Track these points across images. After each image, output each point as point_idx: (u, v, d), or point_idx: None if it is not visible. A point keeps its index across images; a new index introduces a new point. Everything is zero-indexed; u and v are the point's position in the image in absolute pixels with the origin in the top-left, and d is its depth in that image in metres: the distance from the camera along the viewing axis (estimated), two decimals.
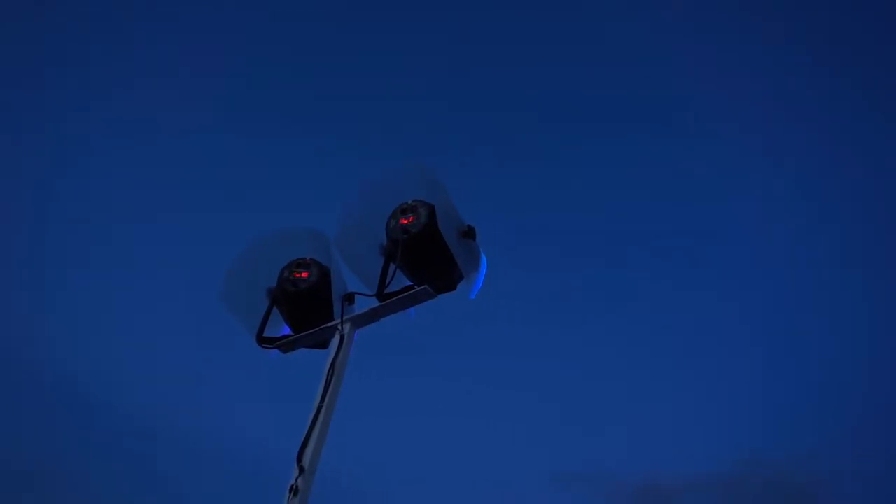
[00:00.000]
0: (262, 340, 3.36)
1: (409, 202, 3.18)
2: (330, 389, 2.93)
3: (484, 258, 3.19)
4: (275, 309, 3.42)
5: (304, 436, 2.79)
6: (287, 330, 3.45)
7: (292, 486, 2.64)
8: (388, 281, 3.09)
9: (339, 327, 3.13)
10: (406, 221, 3.08)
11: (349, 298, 3.31)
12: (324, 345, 3.29)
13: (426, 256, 3.06)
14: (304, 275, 3.38)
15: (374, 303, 3.16)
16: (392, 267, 3.09)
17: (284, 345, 3.37)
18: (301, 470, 2.68)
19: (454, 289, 3.12)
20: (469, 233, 3.14)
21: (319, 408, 2.88)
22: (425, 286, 3.03)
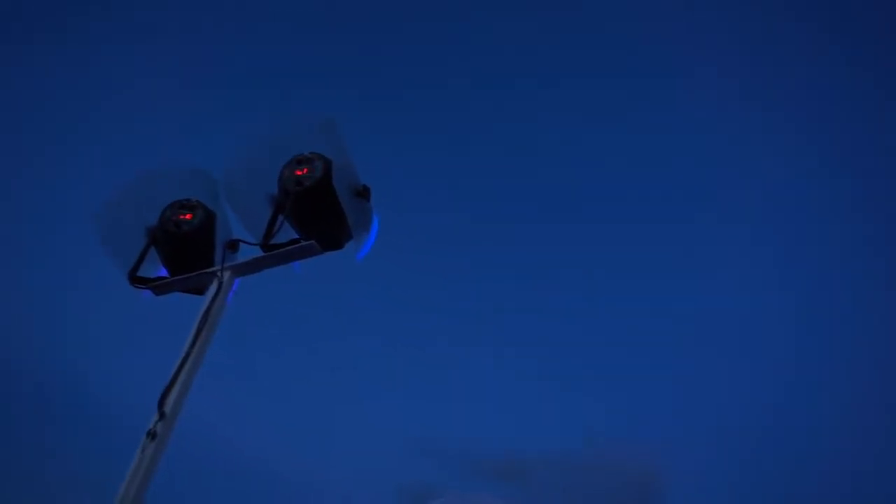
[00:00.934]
0: (135, 279, 3.20)
1: (307, 154, 3.10)
2: (201, 337, 2.83)
3: (376, 220, 3.16)
4: (154, 249, 3.27)
5: (168, 381, 2.70)
6: (164, 272, 3.30)
7: (151, 430, 2.55)
8: (274, 232, 3.01)
9: (219, 274, 3.03)
10: (300, 173, 3.00)
11: (232, 246, 3.20)
12: (201, 291, 3.17)
13: (317, 211, 3.00)
14: (188, 217, 3.24)
15: (258, 252, 3.07)
16: (280, 218, 3.01)
17: (158, 286, 3.22)
18: (162, 415, 2.59)
19: (341, 247, 3.07)
20: (364, 193, 3.09)
21: (188, 354, 2.78)
22: (312, 241, 2.97)
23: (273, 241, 3.06)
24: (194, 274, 3.15)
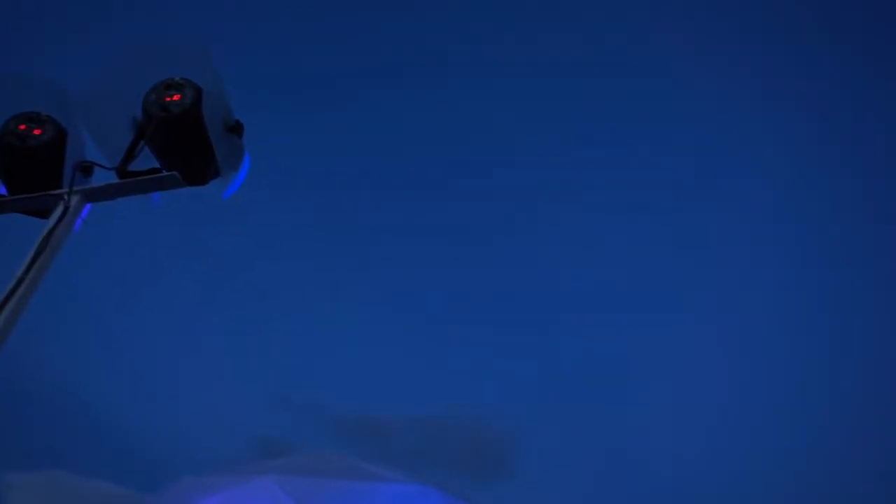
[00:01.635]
0: None
1: (177, 79, 2.88)
2: (38, 263, 2.59)
3: (247, 159, 3.00)
4: None
5: None
6: (3, 189, 3.00)
7: None
8: (133, 158, 2.79)
9: (65, 197, 2.77)
10: (168, 99, 2.78)
11: (85, 169, 2.94)
12: (45, 214, 2.90)
13: (182, 141, 2.80)
14: (36, 132, 2.94)
15: (114, 179, 2.85)
16: (141, 144, 2.79)
17: None
18: None
19: (206, 183, 2.89)
20: (236, 129, 2.92)
21: (21, 280, 2.53)
22: (175, 172, 2.78)
23: (131, 169, 2.84)
24: (38, 195, 2.87)
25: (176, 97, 2.80)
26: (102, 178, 2.96)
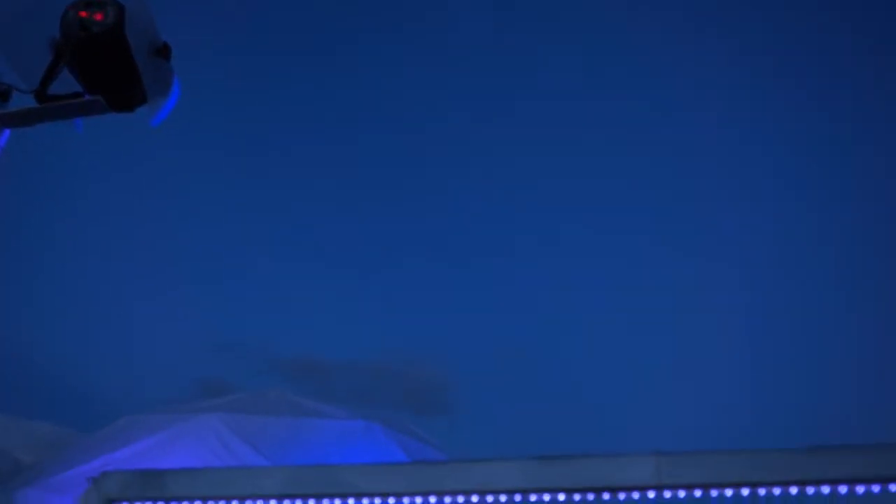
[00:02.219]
0: None
1: None
2: None
3: (177, 84, 2.87)
4: None
5: None
6: None
7: None
8: (52, 81, 2.65)
9: None
10: (86, 16, 2.62)
11: (2, 94, 2.79)
12: None
13: (105, 64, 2.65)
14: None
15: (32, 102, 2.70)
16: (61, 66, 2.65)
17: None
18: None
19: (132, 109, 2.76)
20: (163, 52, 2.78)
21: None
22: (98, 98, 2.65)
23: (52, 93, 2.70)
24: None
25: (97, 16, 2.64)
26: (20, 101, 2.82)
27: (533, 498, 1.16)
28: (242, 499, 1.29)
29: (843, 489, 1.23)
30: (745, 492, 1.23)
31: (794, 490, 1.25)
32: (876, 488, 1.22)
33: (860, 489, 1.22)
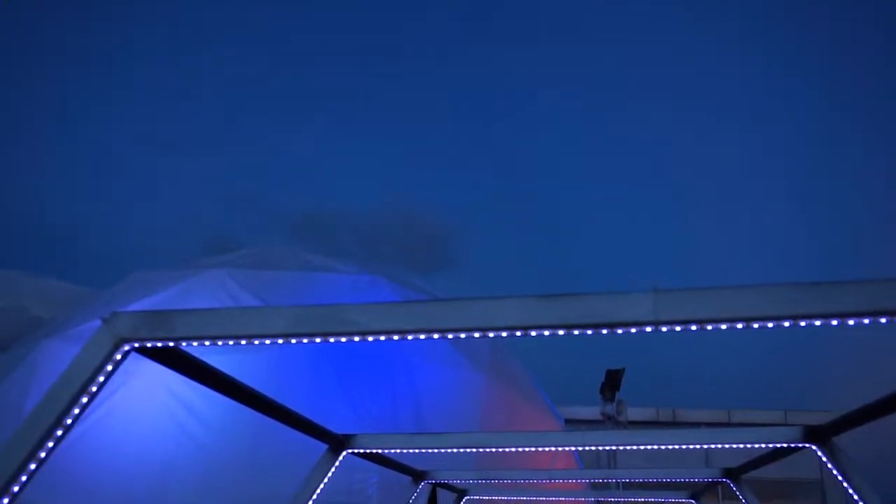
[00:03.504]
0: None
1: None
2: None
3: None
4: None
5: None
6: None
7: None
8: None
9: None
10: None
11: None
12: None
13: None
14: None
15: None
16: None
17: None
18: None
19: None
20: None
21: None
22: None
23: None
24: None
25: None
26: None
27: (533, 333, 1.21)
28: (251, 338, 1.34)
29: (834, 322, 1.28)
30: (740, 325, 1.28)
31: (786, 323, 1.30)
32: (866, 321, 1.27)
33: (851, 322, 1.27)
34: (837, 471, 2.34)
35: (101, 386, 1.55)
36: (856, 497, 2.28)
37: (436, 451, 2.78)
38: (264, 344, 1.53)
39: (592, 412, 14.43)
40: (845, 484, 2.32)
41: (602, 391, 10.33)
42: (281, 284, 10.00)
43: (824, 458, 2.38)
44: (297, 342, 1.57)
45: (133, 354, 1.61)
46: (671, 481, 3.72)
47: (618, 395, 9.88)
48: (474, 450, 2.78)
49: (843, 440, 2.44)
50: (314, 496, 2.56)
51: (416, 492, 3.50)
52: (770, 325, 1.46)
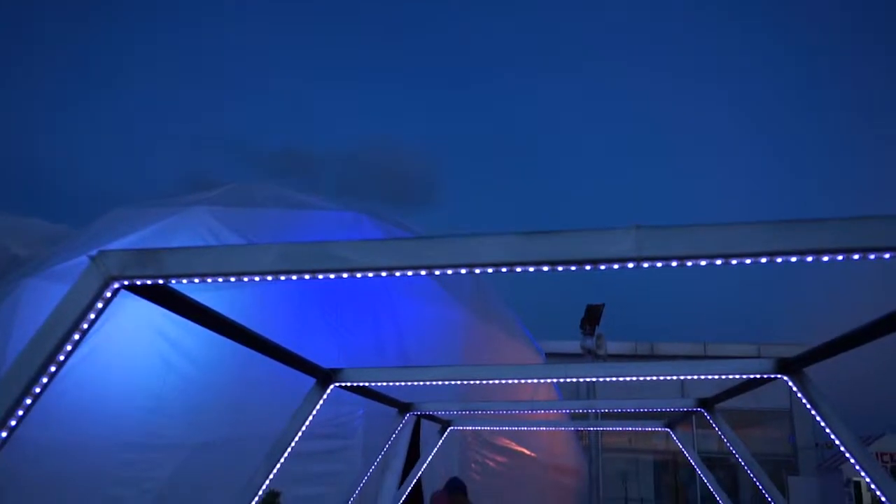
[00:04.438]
0: None
1: None
2: None
3: None
4: None
5: None
6: None
7: None
8: None
9: None
10: None
11: None
12: None
13: None
14: None
15: None
16: None
17: None
18: None
19: None
20: None
21: None
22: None
23: None
24: None
25: None
26: None
27: (518, 270, 1.22)
28: (240, 275, 1.35)
29: (809, 259, 1.31)
30: (719, 262, 1.31)
31: (763, 260, 1.33)
32: (840, 257, 1.30)
33: (825, 258, 1.30)
34: (807, 400, 2.44)
35: (91, 323, 1.57)
36: (823, 424, 2.39)
37: (420, 384, 2.85)
38: (252, 281, 1.55)
39: (573, 346, 14.74)
40: (814, 412, 2.42)
41: (582, 326, 10.54)
42: (263, 222, 9.96)
43: (795, 389, 2.48)
44: (285, 279, 1.60)
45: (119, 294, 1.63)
46: (648, 411, 3.85)
47: (597, 330, 10.10)
48: (458, 383, 2.85)
49: (814, 373, 2.54)
50: (303, 428, 2.63)
51: (401, 423, 3.60)
52: (748, 261, 1.50)
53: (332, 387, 2.73)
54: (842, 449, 2.30)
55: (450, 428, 4.16)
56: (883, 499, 2.23)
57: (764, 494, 3.30)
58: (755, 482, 3.30)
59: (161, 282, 1.61)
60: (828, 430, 2.38)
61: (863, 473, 2.27)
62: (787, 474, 17.17)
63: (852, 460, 2.27)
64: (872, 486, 2.24)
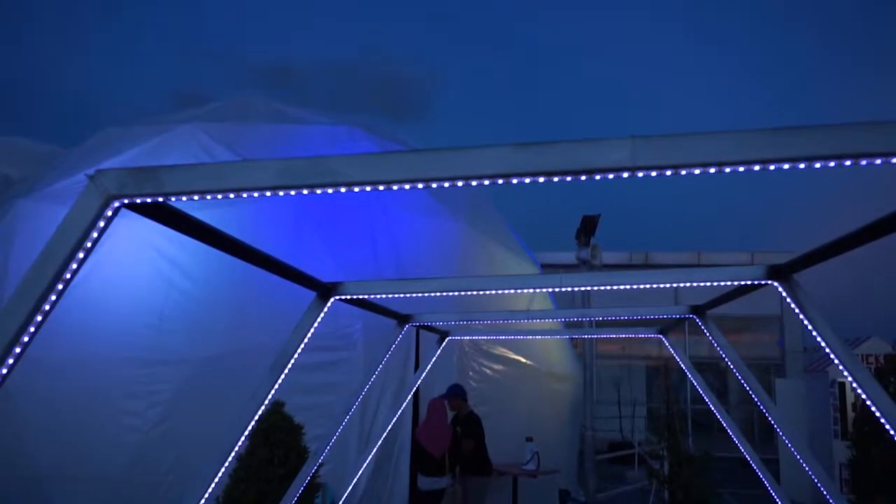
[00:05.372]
0: None
1: None
2: None
3: None
4: None
5: None
6: None
7: None
8: None
9: None
10: None
11: None
12: None
13: None
14: None
15: None
16: None
17: None
18: None
19: None
20: None
21: None
22: None
23: None
24: None
25: None
26: None
27: (515, 181, 1.23)
28: (238, 191, 1.35)
29: (801, 165, 1.32)
30: (713, 170, 1.32)
31: (756, 167, 1.34)
32: (832, 164, 1.31)
33: (817, 165, 1.31)
34: (796, 305, 2.51)
35: (95, 242, 1.60)
36: (811, 328, 2.46)
37: (418, 296, 2.91)
38: (251, 197, 1.57)
39: (568, 257, 14.90)
40: (802, 317, 2.49)
41: (578, 236, 10.62)
42: (256, 137, 9.85)
43: (784, 294, 2.54)
44: (284, 194, 1.61)
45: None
46: (641, 318, 3.94)
47: (592, 240, 10.18)
48: (455, 294, 2.91)
49: (805, 280, 2.59)
50: (305, 341, 2.71)
51: (400, 334, 3.69)
52: (741, 168, 1.52)
53: (332, 300, 2.79)
54: (827, 351, 2.38)
55: (448, 338, 4.27)
56: (864, 396, 2.32)
57: (751, 396, 3.43)
58: (743, 385, 3.42)
59: (161, 199, 1.62)
60: (815, 334, 2.46)
61: (847, 374, 2.36)
62: (774, 377, 17.73)
63: (837, 362, 2.35)
64: (855, 386, 2.33)
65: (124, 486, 7.70)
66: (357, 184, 1.50)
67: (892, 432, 2.23)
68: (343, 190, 1.54)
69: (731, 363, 3.41)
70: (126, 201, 1.59)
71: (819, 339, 2.42)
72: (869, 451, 5.33)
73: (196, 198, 1.61)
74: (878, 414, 2.27)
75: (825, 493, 3.17)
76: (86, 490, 7.73)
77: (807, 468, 3.23)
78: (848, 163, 1.46)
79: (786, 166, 1.51)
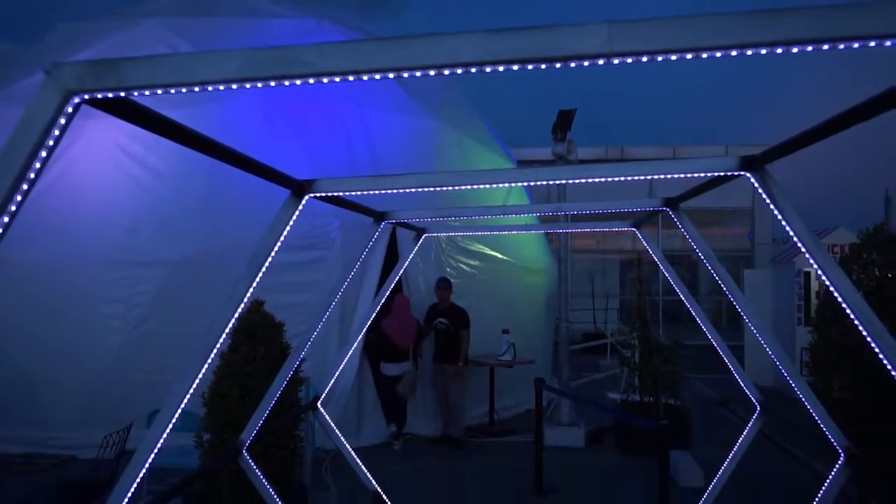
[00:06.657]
0: None
1: None
2: None
3: None
4: None
5: None
6: None
7: None
8: None
9: None
10: None
11: None
12: None
13: None
14: None
15: None
16: None
17: None
18: None
19: None
20: None
21: None
22: None
23: None
24: None
25: None
26: None
27: (488, 70, 1.20)
28: (204, 84, 1.30)
29: (779, 50, 1.30)
30: (689, 56, 1.29)
31: (734, 52, 1.32)
32: (810, 48, 1.29)
33: (795, 49, 1.29)
34: (767, 196, 2.53)
35: (57, 140, 1.54)
36: (780, 218, 2.48)
37: (394, 192, 2.89)
38: (224, 95, 1.52)
39: (544, 153, 14.82)
40: (773, 207, 2.51)
41: (554, 131, 10.54)
42: (220, 32, 9.46)
43: (756, 185, 2.56)
44: (251, 86, 1.56)
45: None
46: (615, 212, 3.98)
47: (568, 136, 10.12)
48: (431, 190, 2.89)
49: (777, 172, 2.60)
50: (280, 239, 2.70)
51: (376, 232, 3.69)
52: (718, 54, 1.49)
53: (306, 197, 2.76)
54: (796, 240, 2.43)
55: (424, 235, 4.28)
56: (827, 282, 2.39)
57: (721, 286, 3.52)
58: (714, 276, 3.50)
59: (123, 94, 1.56)
60: (785, 224, 2.49)
61: (813, 262, 2.41)
62: (744, 268, 18.22)
63: (804, 251, 2.40)
64: (820, 273, 2.39)
65: (109, 386, 7.86)
66: (327, 74, 1.45)
67: (851, 315, 2.32)
68: (312, 81, 1.50)
69: (703, 255, 3.48)
70: (86, 97, 1.53)
71: (788, 228, 2.46)
72: (829, 335, 5.57)
73: (160, 92, 1.55)
74: (839, 298, 2.34)
75: (785, 374, 3.32)
76: (70, 388, 7.89)
77: (770, 352, 3.36)
78: (826, 47, 1.44)
79: (763, 51, 1.49)
